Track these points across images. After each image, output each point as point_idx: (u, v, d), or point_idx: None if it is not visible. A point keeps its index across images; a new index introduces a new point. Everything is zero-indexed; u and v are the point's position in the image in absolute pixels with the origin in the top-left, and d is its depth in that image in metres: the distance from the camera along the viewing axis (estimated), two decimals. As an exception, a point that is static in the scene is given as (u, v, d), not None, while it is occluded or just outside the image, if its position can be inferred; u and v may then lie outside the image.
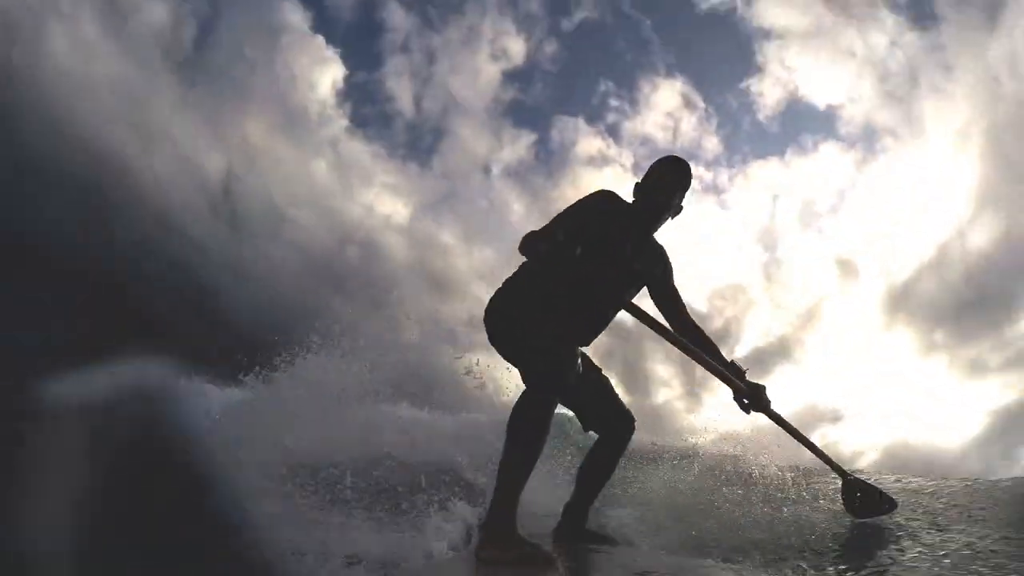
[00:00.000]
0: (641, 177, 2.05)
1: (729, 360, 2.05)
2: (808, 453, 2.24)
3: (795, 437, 2.16)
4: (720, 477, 2.93)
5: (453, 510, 2.26)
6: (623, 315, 2.01)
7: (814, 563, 1.84)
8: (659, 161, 2.04)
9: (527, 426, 1.63)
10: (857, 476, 2.29)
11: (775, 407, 2.07)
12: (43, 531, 1.41)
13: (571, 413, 2.07)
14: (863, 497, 2.21)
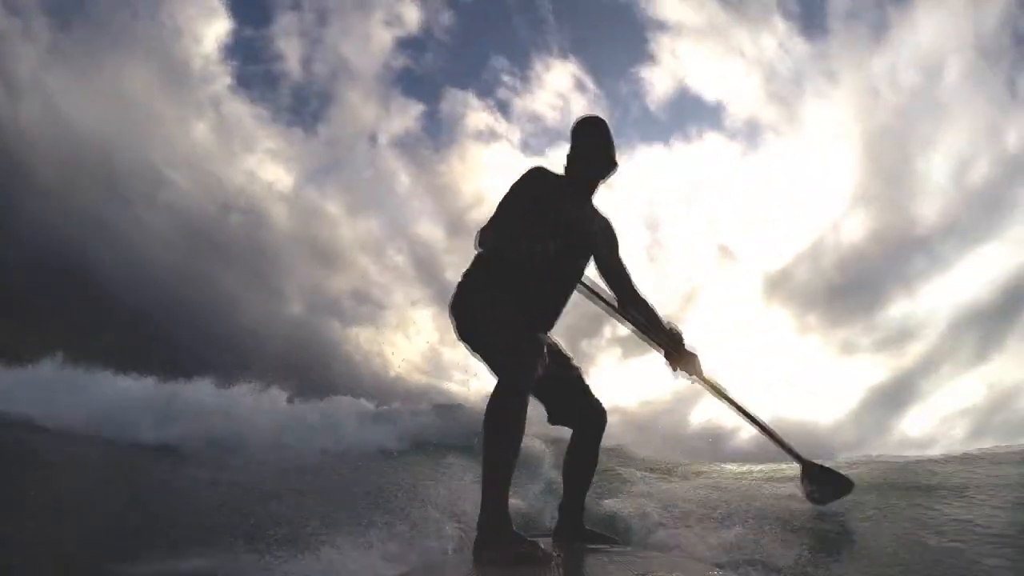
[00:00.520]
0: (564, 150, 2.06)
1: (669, 327, 2.11)
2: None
3: (736, 410, 2.20)
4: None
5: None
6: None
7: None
8: (581, 126, 2.04)
9: (503, 425, 1.62)
10: (810, 460, 2.31)
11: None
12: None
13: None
14: (823, 481, 2.26)
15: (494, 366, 1.78)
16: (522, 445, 1.65)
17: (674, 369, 2.09)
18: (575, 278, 2.00)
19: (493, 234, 1.87)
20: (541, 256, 1.83)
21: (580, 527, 2.03)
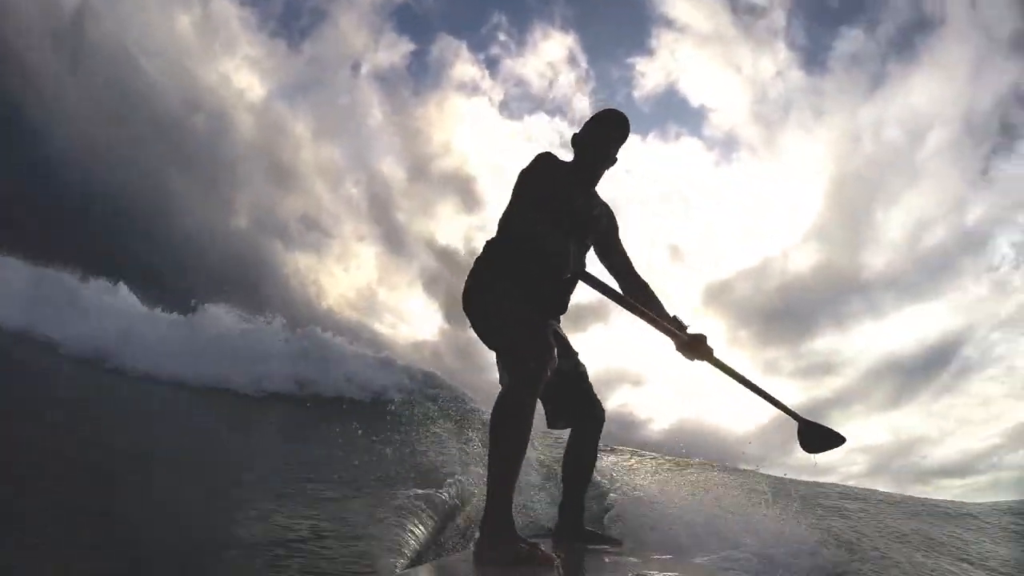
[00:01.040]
0: (578, 129, 2.06)
1: (672, 315, 2.04)
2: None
3: (743, 383, 2.14)
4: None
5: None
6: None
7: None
8: (602, 117, 2.02)
9: (511, 423, 1.62)
10: (806, 418, 2.30)
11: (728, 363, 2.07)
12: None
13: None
14: (816, 435, 2.25)
15: (505, 363, 1.78)
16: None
17: (691, 358, 2.01)
18: (583, 266, 1.99)
19: (508, 228, 1.87)
20: (565, 258, 1.81)
21: (580, 527, 2.04)
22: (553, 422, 2.04)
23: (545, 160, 1.95)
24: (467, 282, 1.90)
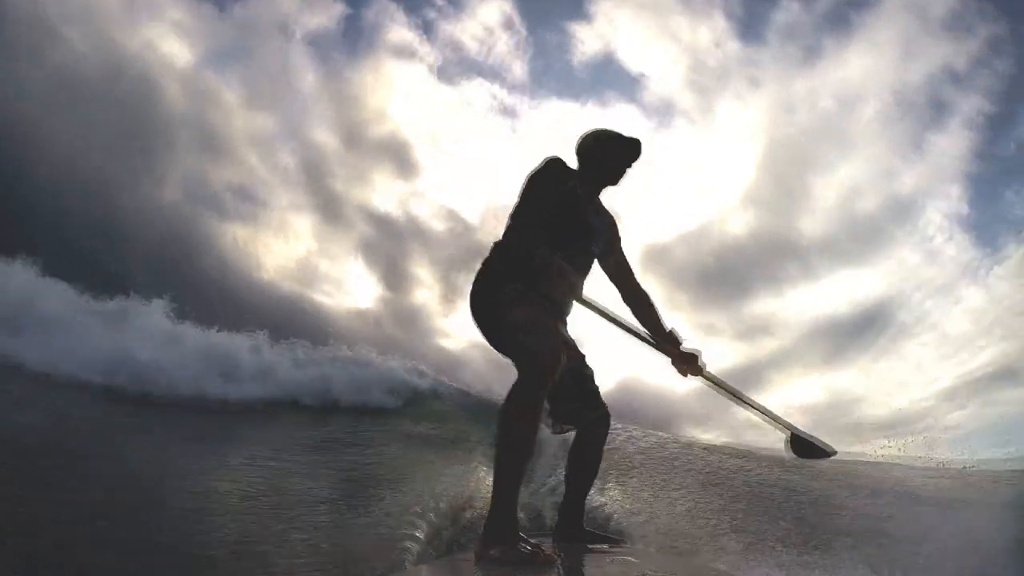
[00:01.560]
0: (577, 142, 2.08)
1: (669, 329, 2.09)
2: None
3: (736, 397, 2.21)
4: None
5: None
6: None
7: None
8: (627, 142, 2.05)
9: (519, 423, 1.63)
10: (798, 429, 2.36)
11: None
12: None
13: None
14: (806, 446, 2.30)
15: (518, 365, 1.75)
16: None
17: (684, 375, 2.08)
18: (588, 271, 2.04)
19: (519, 234, 1.87)
20: (564, 266, 1.82)
21: (580, 527, 2.05)
22: (556, 425, 2.04)
23: (554, 167, 1.95)
24: (474, 285, 1.91)
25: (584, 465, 2.04)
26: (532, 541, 1.62)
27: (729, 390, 2.21)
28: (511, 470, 1.62)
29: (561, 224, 1.91)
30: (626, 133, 2.04)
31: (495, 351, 1.91)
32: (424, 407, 5.71)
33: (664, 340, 2.06)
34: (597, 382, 2.07)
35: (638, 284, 2.15)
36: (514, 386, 1.67)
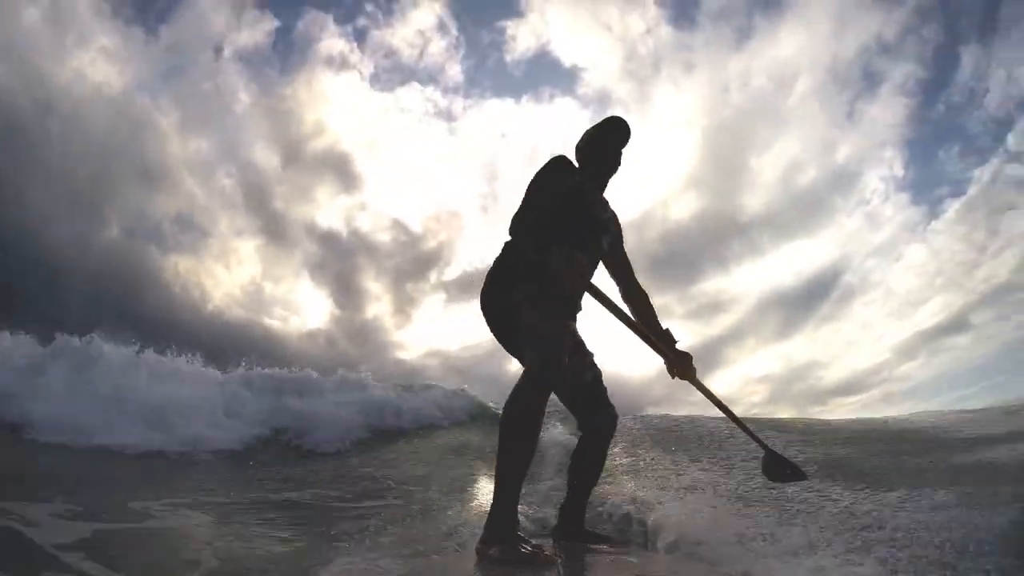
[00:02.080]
0: (580, 137, 2.10)
1: (664, 328, 2.13)
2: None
3: (719, 407, 2.25)
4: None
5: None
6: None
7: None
8: (609, 124, 2.07)
9: (521, 422, 1.65)
10: (773, 449, 2.42)
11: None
12: None
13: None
14: (778, 466, 2.36)
15: (525, 363, 1.79)
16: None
17: (673, 375, 2.11)
18: (596, 263, 2.07)
19: (530, 233, 1.87)
20: (578, 261, 1.85)
21: (580, 528, 2.06)
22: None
23: (560, 165, 1.97)
24: (486, 286, 1.93)
25: (587, 466, 2.05)
26: (532, 541, 1.63)
27: (714, 400, 2.27)
28: (512, 471, 1.64)
29: (571, 219, 1.92)
30: (612, 115, 2.08)
31: (506, 353, 1.95)
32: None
33: (660, 338, 2.09)
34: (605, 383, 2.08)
35: (637, 282, 2.18)
36: (516, 388, 1.70)
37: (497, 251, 1.97)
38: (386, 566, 2.03)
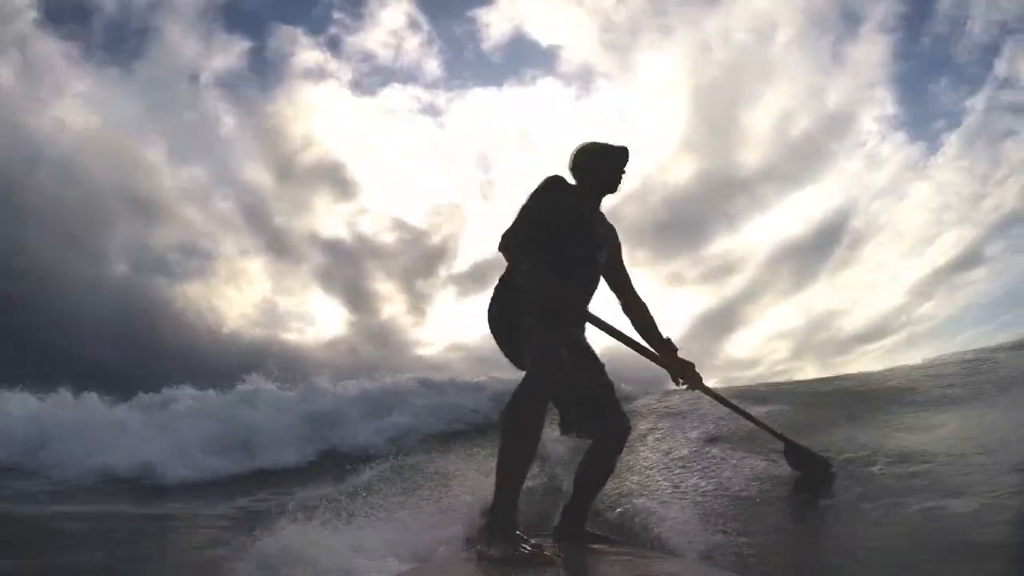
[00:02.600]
0: (572, 156, 2.11)
1: (665, 337, 2.19)
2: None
3: (731, 408, 2.35)
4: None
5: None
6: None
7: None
8: (613, 152, 2.09)
9: (521, 428, 1.67)
10: (794, 441, 2.51)
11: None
12: None
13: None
14: (804, 457, 2.47)
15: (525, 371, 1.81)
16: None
17: (677, 384, 2.19)
18: (597, 279, 2.10)
19: (525, 252, 1.88)
20: (573, 276, 1.89)
21: (581, 528, 2.06)
22: (566, 429, 2.06)
23: (556, 184, 2.00)
24: (491, 304, 1.98)
25: (594, 471, 2.04)
26: (532, 541, 1.64)
27: (724, 402, 2.36)
28: (512, 472, 1.66)
29: (566, 235, 1.95)
30: (613, 143, 2.10)
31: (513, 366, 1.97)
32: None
33: (661, 349, 2.16)
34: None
35: (637, 295, 2.23)
36: (517, 392, 1.72)
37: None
38: (387, 565, 2.04)
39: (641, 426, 4.18)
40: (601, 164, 2.08)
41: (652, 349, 2.15)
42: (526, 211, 1.95)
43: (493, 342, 2.01)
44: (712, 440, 3.47)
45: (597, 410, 2.01)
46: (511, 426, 1.68)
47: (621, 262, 2.21)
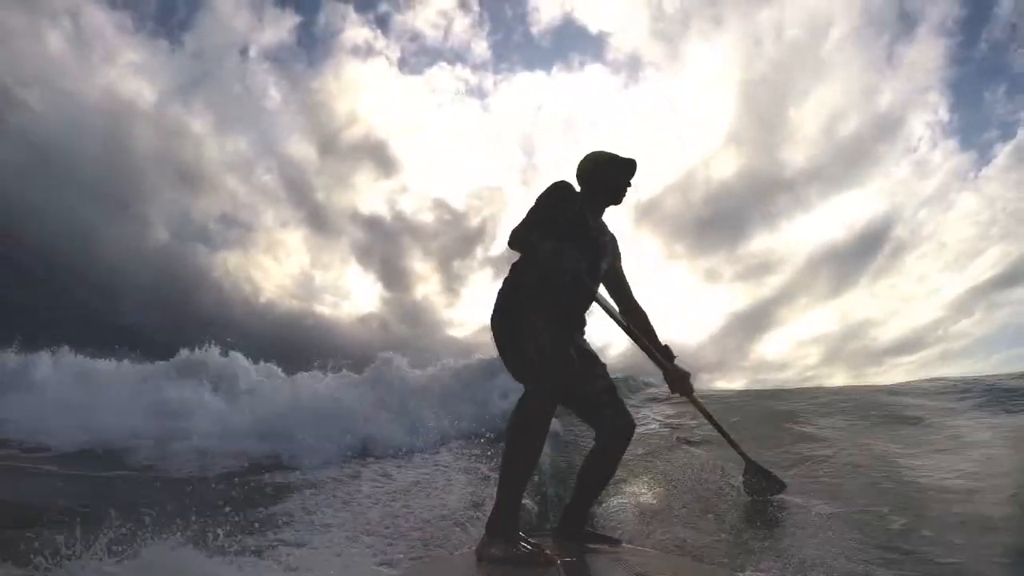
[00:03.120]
0: (578, 164, 2.13)
1: (663, 344, 2.25)
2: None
3: (710, 421, 2.43)
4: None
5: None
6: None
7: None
8: (623, 163, 2.10)
9: (527, 430, 1.69)
10: (755, 462, 2.58)
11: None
12: None
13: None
14: (758, 478, 2.54)
15: (527, 376, 1.82)
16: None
17: (674, 392, 2.24)
18: (597, 285, 2.11)
19: (531, 252, 1.90)
20: (578, 275, 1.89)
21: (581, 529, 2.06)
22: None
23: (563, 188, 2.02)
24: (495, 306, 1.97)
25: (596, 472, 2.05)
26: (533, 541, 1.65)
27: (707, 416, 2.43)
28: (516, 473, 1.68)
29: (568, 239, 1.94)
30: (621, 154, 2.10)
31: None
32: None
33: (660, 354, 2.21)
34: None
35: (636, 301, 2.25)
36: (524, 395, 1.74)
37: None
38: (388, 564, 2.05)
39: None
40: (607, 174, 2.09)
41: (650, 344, 2.20)
42: (533, 213, 1.96)
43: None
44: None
45: (603, 411, 2.02)
46: (518, 425, 1.70)
47: (621, 271, 2.24)
